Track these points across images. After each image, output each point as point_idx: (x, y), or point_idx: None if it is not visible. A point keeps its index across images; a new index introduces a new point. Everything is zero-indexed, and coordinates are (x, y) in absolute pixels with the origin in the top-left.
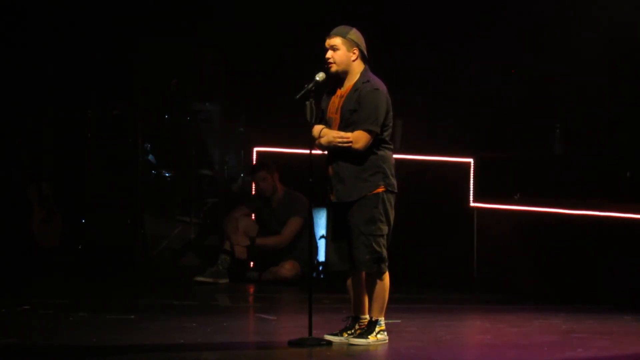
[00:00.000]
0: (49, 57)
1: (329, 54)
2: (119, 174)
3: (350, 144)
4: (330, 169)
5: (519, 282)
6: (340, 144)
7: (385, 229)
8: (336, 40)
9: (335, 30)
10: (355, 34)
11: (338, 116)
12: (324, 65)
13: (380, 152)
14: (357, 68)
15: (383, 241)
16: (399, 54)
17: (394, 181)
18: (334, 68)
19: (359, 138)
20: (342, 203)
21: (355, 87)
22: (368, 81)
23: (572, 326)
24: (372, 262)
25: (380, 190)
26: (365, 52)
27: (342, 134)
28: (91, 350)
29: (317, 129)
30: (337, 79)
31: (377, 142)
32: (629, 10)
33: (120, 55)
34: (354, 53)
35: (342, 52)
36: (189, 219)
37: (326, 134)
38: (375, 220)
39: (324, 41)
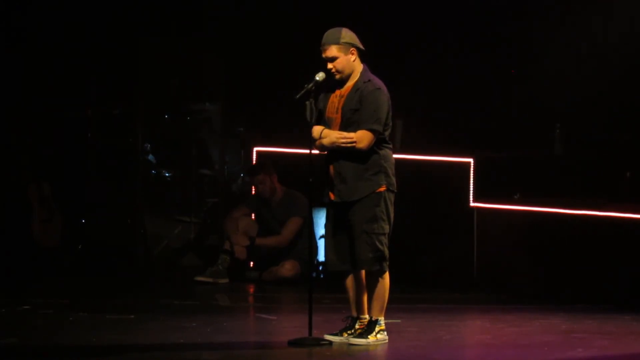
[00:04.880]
0: (49, 57)
1: (330, 65)
2: (119, 173)
3: (353, 144)
4: (331, 169)
5: (519, 282)
6: (343, 145)
7: (386, 227)
8: (332, 51)
9: (326, 39)
10: (346, 34)
11: (339, 116)
12: (327, 70)
13: (382, 152)
14: (358, 67)
15: (385, 240)
16: (399, 53)
17: (394, 180)
18: (338, 76)
19: (362, 138)
20: (343, 202)
21: (357, 87)
22: (369, 80)
23: (572, 326)
24: (374, 260)
25: (382, 189)
26: (361, 46)
27: (345, 134)
28: (91, 350)
29: (317, 130)
30: (339, 79)
31: (378, 142)
32: (630, 11)
33: (121, 55)
34: (352, 53)
35: (342, 58)
36: (189, 219)
37: (328, 134)
38: (378, 218)
39: (322, 43)
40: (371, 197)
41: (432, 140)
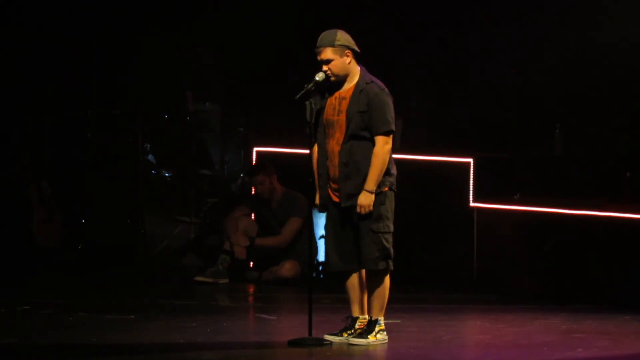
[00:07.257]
0: (49, 57)
1: (325, 67)
2: (119, 173)
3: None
4: (332, 172)
5: (519, 282)
6: (375, 185)
7: (391, 226)
8: (327, 53)
9: (321, 41)
10: (342, 36)
11: (342, 118)
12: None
13: None
14: (354, 69)
15: (390, 238)
16: (400, 53)
17: (395, 180)
18: (333, 79)
19: (385, 141)
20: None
21: (360, 88)
22: (372, 82)
23: (572, 326)
24: (381, 259)
25: (386, 189)
26: (357, 48)
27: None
28: (91, 350)
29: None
30: (335, 82)
31: None
32: (629, 10)
33: (120, 55)
34: (347, 56)
35: (337, 61)
36: (189, 219)
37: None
38: (383, 217)
39: (317, 45)
40: (377, 196)
41: (432, 140)
